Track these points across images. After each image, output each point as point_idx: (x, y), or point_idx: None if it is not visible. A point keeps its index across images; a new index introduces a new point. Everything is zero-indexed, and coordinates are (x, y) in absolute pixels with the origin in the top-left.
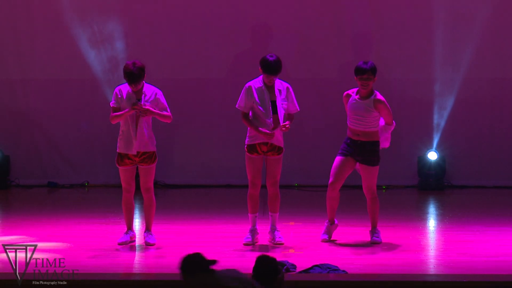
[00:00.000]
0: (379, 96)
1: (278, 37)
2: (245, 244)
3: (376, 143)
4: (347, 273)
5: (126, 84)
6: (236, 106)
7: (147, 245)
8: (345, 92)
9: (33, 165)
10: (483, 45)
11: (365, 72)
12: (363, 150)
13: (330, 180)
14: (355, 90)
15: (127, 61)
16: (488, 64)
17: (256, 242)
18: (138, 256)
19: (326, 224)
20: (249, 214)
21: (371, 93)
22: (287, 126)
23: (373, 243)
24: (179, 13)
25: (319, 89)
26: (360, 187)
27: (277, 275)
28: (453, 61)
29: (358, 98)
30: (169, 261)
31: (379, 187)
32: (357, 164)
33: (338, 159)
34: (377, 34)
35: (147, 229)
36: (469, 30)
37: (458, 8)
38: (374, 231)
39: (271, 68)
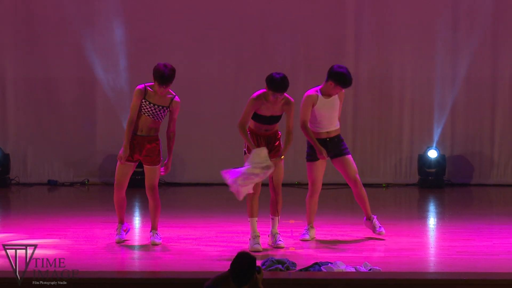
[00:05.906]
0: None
1: (277, 37)
2: (253, 251)
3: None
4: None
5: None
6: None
7: (153, 244)
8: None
9: (33, 163)
10: (483, 43)
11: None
12: (332, 143)
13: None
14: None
15: (159, 63)
16: (488, 63)
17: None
18: (140, 255)
19: (306, 227)
20: (249, 218)
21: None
22: None
23: (380, 234)
24: (185, 13)
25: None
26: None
27: (253, 275)
28: (453, 59)
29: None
30: (171, 259)
31: (379, 185)
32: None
33: (308, 165)
34: (378, 33)
35: (153, 229)
36: (470, 29)
37: (458, 7)
38: (371, 220)
39: (277, 86)
